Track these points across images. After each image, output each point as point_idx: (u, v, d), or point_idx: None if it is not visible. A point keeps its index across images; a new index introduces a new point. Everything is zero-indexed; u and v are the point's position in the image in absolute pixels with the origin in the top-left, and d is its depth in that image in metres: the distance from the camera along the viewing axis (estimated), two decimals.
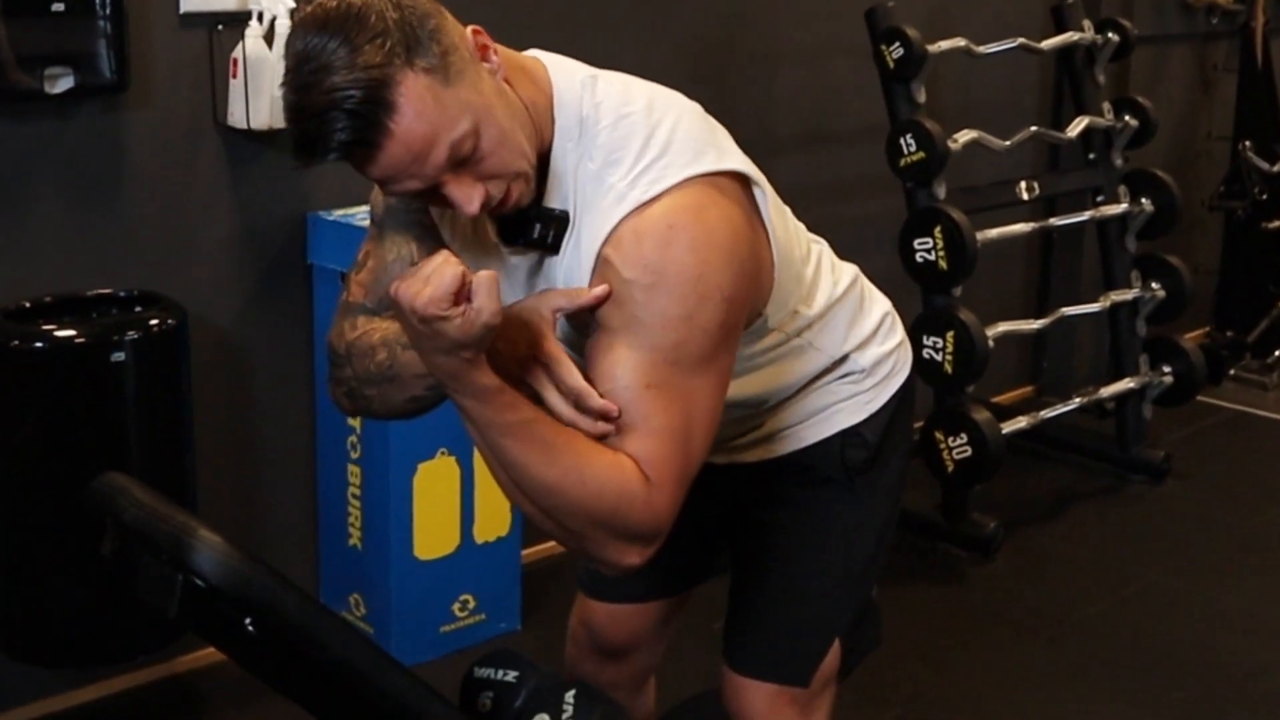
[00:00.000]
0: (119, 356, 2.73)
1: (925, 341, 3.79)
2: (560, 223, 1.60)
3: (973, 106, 4.53)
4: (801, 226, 1.90)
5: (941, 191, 3.90)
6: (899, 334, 2.05)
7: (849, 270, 2.00)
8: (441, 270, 1.40)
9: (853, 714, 2.38)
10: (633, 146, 1.57)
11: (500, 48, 1.58)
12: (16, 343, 2.70)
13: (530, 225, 1.61)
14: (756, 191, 1.67)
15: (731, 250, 1.58)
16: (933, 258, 3.79)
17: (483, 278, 1.41)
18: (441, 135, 1.46)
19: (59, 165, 2.90)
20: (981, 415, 3.83)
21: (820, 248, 1.95)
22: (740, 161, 1.66)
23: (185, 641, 3.08)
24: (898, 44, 3.85)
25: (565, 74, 1.63)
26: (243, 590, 1.43)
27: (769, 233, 1.69)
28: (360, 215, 3.19)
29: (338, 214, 3.22)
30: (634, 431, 1.54)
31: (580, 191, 1.59)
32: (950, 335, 3.77)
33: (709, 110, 1.71)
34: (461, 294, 1.40)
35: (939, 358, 3.79)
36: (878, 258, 4.46)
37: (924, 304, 3.90)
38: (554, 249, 1.61)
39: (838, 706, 2.17)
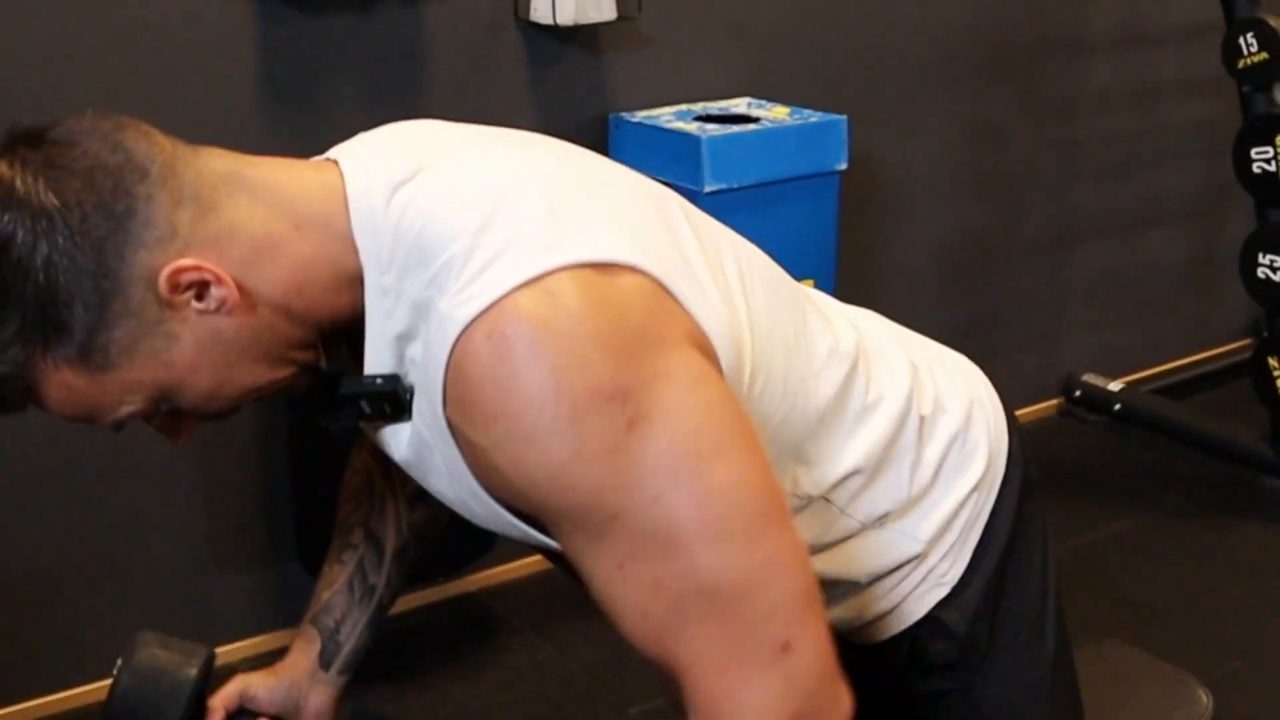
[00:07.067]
0: None
1: (1261, 260, 3.50)
2: (386, 391, 1.16)
3: None
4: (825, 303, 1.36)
5: None
6: (981, 446, 1.37)
7: (900, 369, 1.34)
8: None
9: (1188, 663, 2.14)
10: (458, 251, 1.09)
11: (277, 194, 1.13)
12: None
13: (351, 405, 1.19)
14: (668, 283, 1.10)
15: (594, 332, 1.05)
16: (1273, 168, 3.47)
17: None
18: (101, 415, 1.15)
19: (356, 65, 2.76)
20: None
21: (854, 338, 1.31)
22: (634, 247, 1.10)
23: (479, 561, 2.99)
24: None
25: (364, 184, 1.15)
26: None
27: (697, 315, 1.12)
28: (666, 117, 3.01)
29: (641, 115, 3.03)
30: (663, 646, 1.10)
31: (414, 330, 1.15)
32: None
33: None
34: None
35: (1276, 277, 3.48)
36: (1196, 168, 4.18)
37: (1258, 218, 3.58)
38: (396, 416, 1.18)
39: (1178, 647, 1.85)
